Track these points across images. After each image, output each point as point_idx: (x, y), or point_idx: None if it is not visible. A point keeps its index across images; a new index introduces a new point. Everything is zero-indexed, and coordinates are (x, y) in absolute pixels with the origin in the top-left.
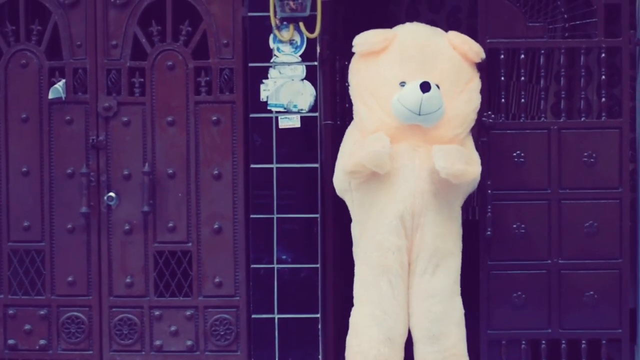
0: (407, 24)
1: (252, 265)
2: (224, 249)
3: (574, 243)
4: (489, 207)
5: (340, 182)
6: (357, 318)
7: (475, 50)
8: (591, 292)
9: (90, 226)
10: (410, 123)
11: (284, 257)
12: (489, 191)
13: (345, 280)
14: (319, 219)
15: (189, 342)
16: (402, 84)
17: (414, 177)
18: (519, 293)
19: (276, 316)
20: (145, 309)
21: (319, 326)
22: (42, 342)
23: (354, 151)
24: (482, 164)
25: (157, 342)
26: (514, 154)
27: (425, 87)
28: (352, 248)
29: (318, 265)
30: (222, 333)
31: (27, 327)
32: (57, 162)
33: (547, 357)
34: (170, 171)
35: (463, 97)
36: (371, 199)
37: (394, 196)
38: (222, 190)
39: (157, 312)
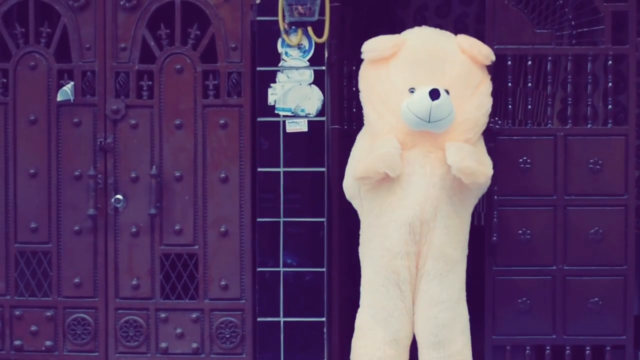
0: (416, 29)
1: (258, 269)
2: (230, 252)
3: (579, 249)
4: (495, 212)
5: (350, 187)
6: (363, 320)
7: (484, 53)
8: (596, 299)
9: (97, 228)
10: (420, 129)
11: (289, 260)
12: (495, 197)
13: (351, 284)
14: (325, 223)
15: (195, 345)
16: (412, 90)
17: (425, 184)
18: (524, 299)
19: (282, 319)
20: (151, 311)
21: (325, 330)
22: (48, 343)
23: (364, 156)
24: None
25: (163, 345)
26: (520, 160)
27: (434, 94)
28: (358, 252)
29: (324, 269)
30: (227, 336)
31: (34, 328)
32: (65, 164)
33: None
34: (178, 174)
35: (474, 101)
36: (380, 205)
37: (404, 202)
38: (229, 194)
39: (163, 315)
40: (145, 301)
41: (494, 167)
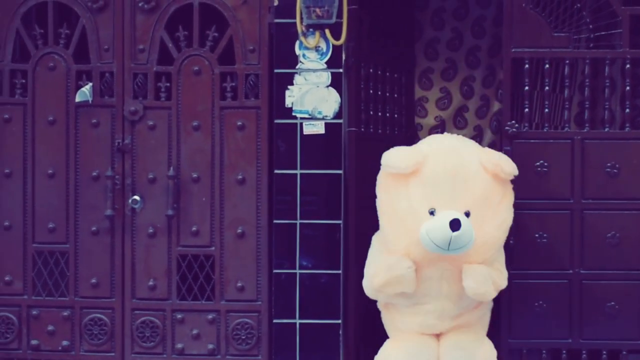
0: (437, 139)
1: (274, 270)
2: (246, 254)
3: (596, 253)
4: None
5: (368, 290)
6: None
7: (507, 172)
8: (612, 303)
9: (115, 229)
10: (439, 253)
11: (305, 262)
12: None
13: None
14: (341, 225)
15: (211, 346)
16: (432, 211)
17: (441, 300)
18: (540, 302)
19: (297, 321)
20: (167, 312)
21: (340, 332)
22: (64, 343)
23: (379, 270)
24: None
25: (179, 345)
26: (537, 164)
27: (454, 225)
28: None
29: (340, 272)
30: (243, 337)
31: (50, 328)
32: (83, 164)
33: None
34: (195, 175)
35: (495, 221)
36: (401, 310)
37: (421, 317)
38: (245, 195)
39: (179, 316)
40: (161, 302)
41: None
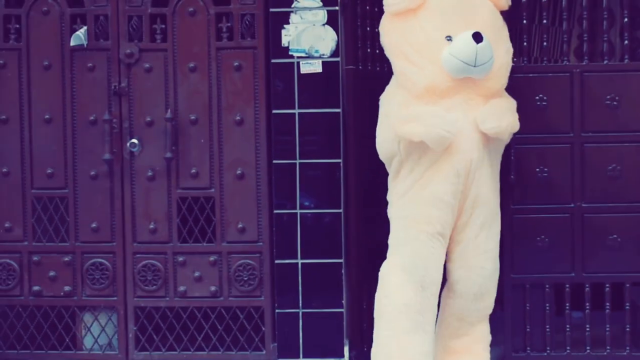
0: None
1: (275, 211)
2: (246, 195)
3: (597, 186)
4: (512, 151)
5: (389, 145)
6: (387, 269)
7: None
8: (614, 236)
9: (113, 173)
10: (464, 76)
11: (306, 202)
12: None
13: (368, 226)
14: (341, 164)
15: (213, 288)
16: (449, 38)
17: (470, 130)
18: (542, 237)
19: (299, 261)
20: (169, 255)
21: (343, 271)
22: (66, 288)
23: (409, 120)
24: None
25: (181, 288)
26: (537, 98)
27: (478, 37)
28: (374, 193)
29: (341, 210)
30: (245, 278)
31: (52, 273)
32: (80, 109)
33: (571, 301)
34: (193, 117)
35: (503, 46)
36: (421, 157)
37: (450, 150)
38: (244, 136)
39: (180, 258)
40: (162, 245)
41: None
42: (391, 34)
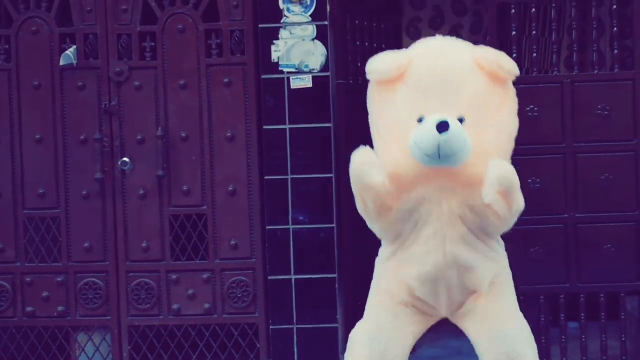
0: (425, 41)
1: (268, 227)
2: (239, 212)
3: (590, 196)
4: None
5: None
6: (355, 334)
7: (507, 69)
8: (609, 245)
9: (105, 192)
10: (433, 166)
11: (301, 218)
12: None
13: (362, 241)
14: (333, 179)
15: (207, 305)
16: (421, 119)
17: (443, 223)
18: (537, 248)
19: (293, 277)
20: (162, 273)
21: (337, 286)
22: (60, 308)
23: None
24: None
25: (175, 306)
26: (528, 109)
27: (442, 127)
28: None
29: (334, 225)
30: (239, 295)
31: (45, 294)
32: (70, 128)
33: (566, 311)
34: (184, 135)
35: (495, 128)
36: (396, 236)
37: (422, 246)
38: (236, 153)
39: (174, 276)
40: (156, 263)
41: None
42: (371, 103)
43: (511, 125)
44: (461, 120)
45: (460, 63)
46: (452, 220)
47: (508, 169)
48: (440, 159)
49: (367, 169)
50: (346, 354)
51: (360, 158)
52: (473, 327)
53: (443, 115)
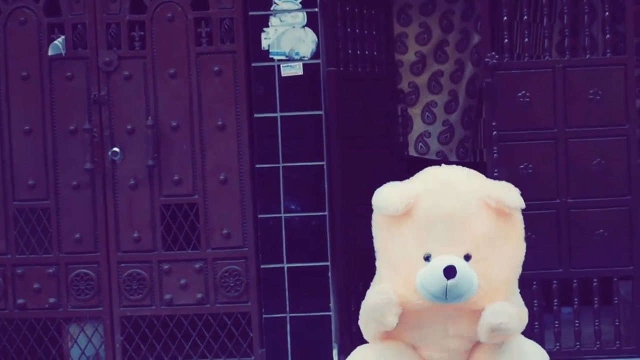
0: (431, 178)
1: (260, 215)
2: (230, 200)
3: (582, 181)
4: (495, 148)
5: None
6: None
7: (511, 206)
8: (601, 230)
9: (95, 182)
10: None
11: (292, 206)
12: (495, 132)
13: (354, 229)
14: (325, 166)
15: (199, 295)
16: (427, 257)
17: (447, 340)
18: (529, 234)
19: (285, 265)
20: (153, 264)
21: (329, 274)
22: (51, 300)
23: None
24: (487, 105)
25: (167, 296)
26: (519, 94)
27: (449, 272)
28: (359, 195)
29: (326, 213)
30: (232, 284)
31: (36, 285)
32: (59, 119)
33: (559, 297)
34: (174, 124)
35: (502, 263)
36: None
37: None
38: (226, 141)
39: (165, 266)
40: (147, 254)
41: (493, 103)
42: (377, 231)
43: (518, 256)
44: (467, 257)
45: (467, 202)
46: (454, 342)
47: (504, 315)
48: (447, 300)
49: (386, 309)
50: None
51: (381, 295)
52: None
53: (450, 257)
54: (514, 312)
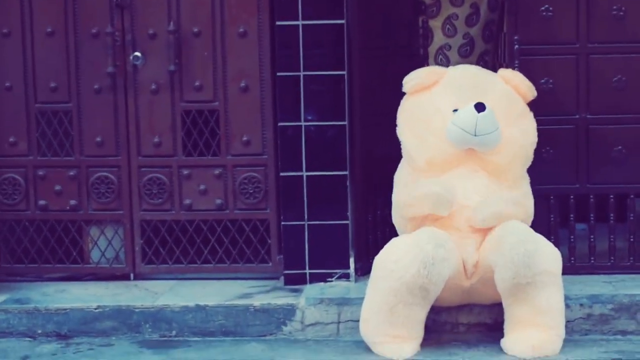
0: (457, 66)
1: (280, 124)
2: (251, 108)
3: (602, 98)
4: (517, 62)
5: (396, 221)
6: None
7: (527, 84)
8: (619, 147)
9: (117, 86)
10: (466, 147)
11: (310, 115)
12: (517, 46)
13: (372, 138)
14: (345, 76)
15: (219, 201)
16: (456, 110)
17: (471, 199)
18: (547, 148)
19: (304, 174)
20: (174, 169)
21: (348, 183)
22: (72, 202)
23: (408, 200)
24: (509, 18)
25: (187, 201)
26: (542, 8)
27: (480, 107)
28: (379, 104)
29: (345, 123)
30: (251, 191)
31: (57, 187)
32: (82, 22)
33: (575, 212)
34: (196, 30)
35: (519, 126)
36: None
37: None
38: (248, 49)
39: (185, 172)
40: (167, 158)
41: (516, 16)
42: (403, 112)
43: (532, 134)
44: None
45: (488, 73)
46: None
47: (494, 210)
48: (476, 135)
49: (447, 201)
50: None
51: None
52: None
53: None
54: (509, 197)
